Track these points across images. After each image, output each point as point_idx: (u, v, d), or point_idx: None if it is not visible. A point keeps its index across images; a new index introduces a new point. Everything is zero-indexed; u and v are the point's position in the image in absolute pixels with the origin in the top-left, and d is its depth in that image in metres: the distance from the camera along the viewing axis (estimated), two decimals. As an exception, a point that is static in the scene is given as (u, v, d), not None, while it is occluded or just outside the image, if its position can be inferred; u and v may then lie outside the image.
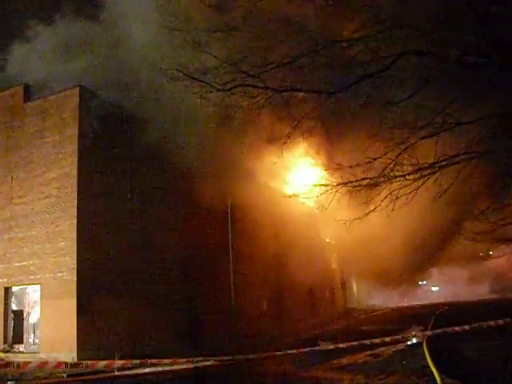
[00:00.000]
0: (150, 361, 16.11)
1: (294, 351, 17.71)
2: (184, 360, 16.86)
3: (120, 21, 20.28)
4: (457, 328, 17.88)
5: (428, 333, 20.68)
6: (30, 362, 16.70)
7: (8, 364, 16.47)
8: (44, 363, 15.84)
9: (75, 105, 18.91)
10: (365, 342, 17.89)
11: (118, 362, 15.99)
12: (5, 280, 19.65)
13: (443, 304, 46.39)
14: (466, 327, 17.54)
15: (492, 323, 17.67)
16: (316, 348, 18.50)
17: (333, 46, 9.83)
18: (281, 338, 25.73)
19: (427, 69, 10.11)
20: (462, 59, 9.60)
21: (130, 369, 16.84)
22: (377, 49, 9.93)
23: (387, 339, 18.12)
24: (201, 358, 16.95)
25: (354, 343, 17.92)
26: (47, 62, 21.22)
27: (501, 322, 17.35)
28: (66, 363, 15.58)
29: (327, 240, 43.84)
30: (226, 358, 17.47)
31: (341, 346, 18.07)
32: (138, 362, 16.04)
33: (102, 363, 15.72)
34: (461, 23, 10.03)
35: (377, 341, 18.02)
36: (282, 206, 29.50)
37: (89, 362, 15.70)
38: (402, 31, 9.74)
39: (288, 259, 33.99)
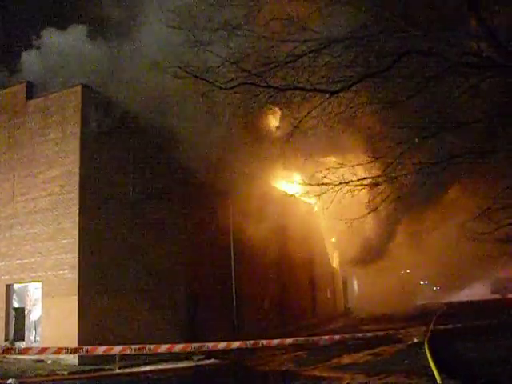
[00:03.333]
0: (147, 346, 16.12)
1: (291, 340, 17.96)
2: (181, 346, 17.02)
3: (123, 19, 20.30)
4: (457, 327, 17.95)
5: (429, 332, 20.71)
6: (31, 348, 16.77)
7: (10, 349, 16.52)
8: (45, 349, 15.86)
9: (77, 103, 18.91)
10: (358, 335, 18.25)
11: (118, 348, 15.99)
12: (6, 277, 19.67)
13: (444, 304, 46.42)
14: (466, 327, 17.60)
15: (492, 323, 17.73)
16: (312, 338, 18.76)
17: (335, 45, 9.80)
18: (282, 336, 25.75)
19: (429, 69, 10.09)
20: (464, 60, 9.58)
21: (131, 366, 16.96)
22: (379, 48, 9.91)
23: (380, 333, 18.33)
24: (198, 345, 17.08)
25: (346, 335, 18.17)
26: (51, 60, 21.21)
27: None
28: (66, 348, 15.57)
29: (330, 239, 43.89)
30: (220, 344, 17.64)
31: (335, 337, 18.29)
32: (136, 347, 16.06)
33: (101, 348, 15.77)
34: (462, 24, 10.03)
35: (369, 334, 18.30)
36: (284, 204, 29.58)
37: (89, 347, 15.72)
38: (404, 31, 9.72)
39: (290, 258, 34.06)
